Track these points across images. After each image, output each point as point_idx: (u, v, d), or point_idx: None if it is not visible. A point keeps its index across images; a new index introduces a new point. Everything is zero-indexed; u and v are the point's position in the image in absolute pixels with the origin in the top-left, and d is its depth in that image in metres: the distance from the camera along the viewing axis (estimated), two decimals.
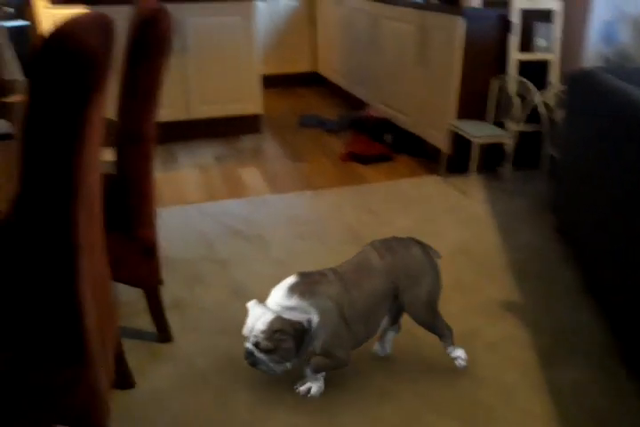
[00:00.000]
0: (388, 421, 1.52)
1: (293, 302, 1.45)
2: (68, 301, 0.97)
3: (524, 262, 2.32)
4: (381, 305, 1.56)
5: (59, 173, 0.87)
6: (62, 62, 0.80)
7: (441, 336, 1.66)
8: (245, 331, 1.49)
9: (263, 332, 1.43)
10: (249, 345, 1.47)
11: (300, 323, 1.44)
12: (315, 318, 1.45)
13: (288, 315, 1.44)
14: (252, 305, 1.50)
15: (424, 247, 1.62)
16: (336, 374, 1.66)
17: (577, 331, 1.88)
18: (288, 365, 1.49)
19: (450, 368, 1.70)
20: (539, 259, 2.34)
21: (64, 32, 0.80)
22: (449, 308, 2.00)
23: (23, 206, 0.89)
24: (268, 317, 1.44)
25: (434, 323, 1.63)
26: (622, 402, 1.58)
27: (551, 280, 2.19)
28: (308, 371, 1.58)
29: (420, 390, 1.63)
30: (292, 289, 1.46)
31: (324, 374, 1.60)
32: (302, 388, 1.59)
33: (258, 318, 1.45)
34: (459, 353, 1.68)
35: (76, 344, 1.01)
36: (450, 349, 1.67)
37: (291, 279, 1.50)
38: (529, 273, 2.24)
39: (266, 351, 1.44)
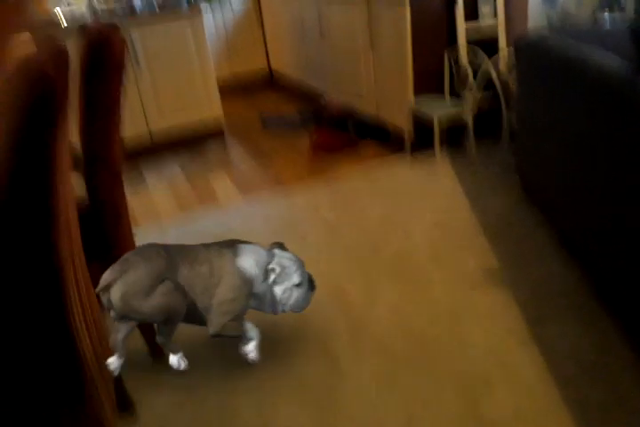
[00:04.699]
0: (394, 406, 1.51)
1: None
2: (61, 331, 0.97)
3: (496, 227, 2.35)
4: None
5: (36, 201, 0.88)
6: (24, 94, 0.80)
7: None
8: None
9: None
10: None
11: None
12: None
13: None
14: None
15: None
16: (331, 362, 1.68)
17: (556, 285, 1.92)
18: None
19: (443, 341, 1.72)
20: (510, 221, 2.38)
21: (21, 64, 0.80)
22: (431, 282, 2.03)
23: (3, 236, 0.88)
24: None
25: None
26: (609, 350, 1.60)
27: (523, 239, 2.23)
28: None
29: (418, 368, 1.63)
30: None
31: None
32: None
33: None
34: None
35: (75, 375, 1.01)
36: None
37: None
38: (502, 236, 2.28)
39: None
